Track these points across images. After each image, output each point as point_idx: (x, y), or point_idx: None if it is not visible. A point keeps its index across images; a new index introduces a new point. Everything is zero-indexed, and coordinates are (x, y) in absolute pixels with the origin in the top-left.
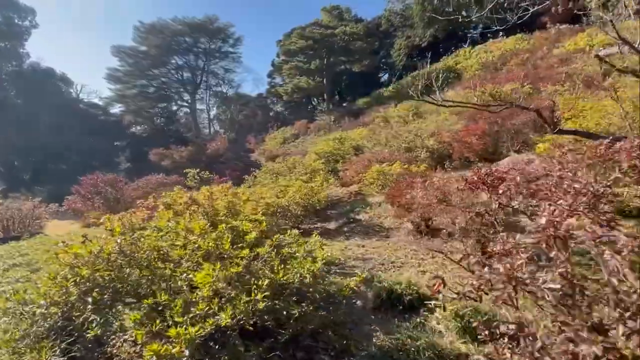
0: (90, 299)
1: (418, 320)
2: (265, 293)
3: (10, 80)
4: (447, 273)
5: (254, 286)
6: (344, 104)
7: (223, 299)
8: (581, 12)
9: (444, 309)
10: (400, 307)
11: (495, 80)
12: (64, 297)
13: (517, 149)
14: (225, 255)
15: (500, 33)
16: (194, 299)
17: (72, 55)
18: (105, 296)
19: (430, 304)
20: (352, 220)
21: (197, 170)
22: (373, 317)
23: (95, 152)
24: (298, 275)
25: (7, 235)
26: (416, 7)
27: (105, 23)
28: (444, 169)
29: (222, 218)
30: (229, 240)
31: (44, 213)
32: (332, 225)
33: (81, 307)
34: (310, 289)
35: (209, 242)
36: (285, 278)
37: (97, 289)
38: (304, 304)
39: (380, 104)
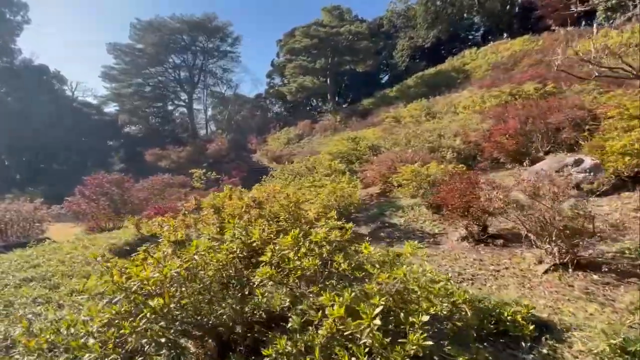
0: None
1: (545, 352)
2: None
3: (1, 76)
4: (534, 290)
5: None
6: (344, 105)
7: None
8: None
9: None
10: (514, 335)
11: (511, 80)
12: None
13: (547, 150)
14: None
15: (505, 35)
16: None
17: (66, 52)
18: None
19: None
20: (386, 224)
21: (203, 170)
22: (481, 346)
23: (88, 152)
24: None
25: (7, 242)
26: (419, 7)
27: (102, 21)
28: (471, 170)
29: (284, 224)
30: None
31: (46, 216)
32: (363, 229)
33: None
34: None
35: (310, 260)
36: (434, 309)
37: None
38: None
39: (387, 104)
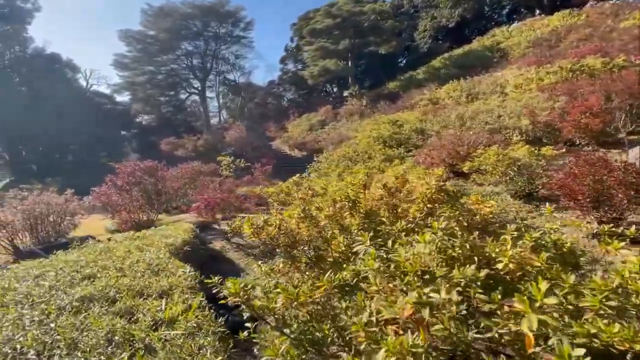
0: None
1: None
2: None
3: (14, 66)
4: None
5: None
6: (363, 89)
7: None
8: None
9: None
10: None
11: (563, 56)
12: None
13: (630, 130)
14: None
15: (537, 11)
16: None
17: (78, 41)
18: None
19: None
20: None
21: (231, 158)
22: None
23: (101, 142)
24: None
25: (43, 239)
26: None
27: (114, 7)
28: None
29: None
30: None
31: (79, 208)
32: None
33: None
34: None
35: None
36: None
37: None
38: None
39: (415, 86)
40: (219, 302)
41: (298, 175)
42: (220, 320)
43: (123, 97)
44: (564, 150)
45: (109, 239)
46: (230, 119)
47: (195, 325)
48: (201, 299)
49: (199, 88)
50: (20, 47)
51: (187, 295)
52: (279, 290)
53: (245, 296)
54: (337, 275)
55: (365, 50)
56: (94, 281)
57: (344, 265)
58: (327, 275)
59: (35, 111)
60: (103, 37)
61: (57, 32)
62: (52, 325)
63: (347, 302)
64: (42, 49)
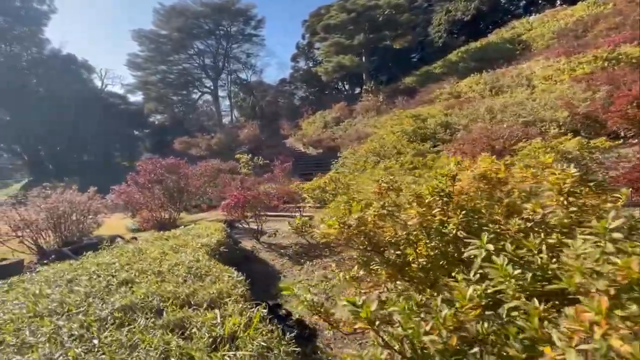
0: None
1: None
2: None
3: (31, 67)
4: None
5: None
6: (379, 85)
7: None
8: None
9: None
10: None
11: (593, 46)
12: None
13: None
14: None
15: (558, 2)
16: None
17: (93, 41)
18: None
19: None
20: None
21: (249, 155)
22: None
23: (116, 142)
24: None
25: (66, 239)
26: None
27: (129, 7)
28: None
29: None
30: None
31: (101, 207)
32: None
33: None
34: None
35: None
36: None
37: None
38: None
39: (433, 81)
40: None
41: (334, 170)
42: (288, 336)
43: (136, 97)
44: (620, 142)
45: (134, 238)
46: (242, 118)
47: (263, 344)
48: (263, 310)
49: (211, 87)
50: (37, 49)
51: (241, 305)
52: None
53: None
54: (480, 288)
55: (380, 45)
56: (132, 287)
57: (437, 274)
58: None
59: (52, 111)
60: (119, 37)
61: (73, 33)
62: (95, 341)
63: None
64: (58, 50)
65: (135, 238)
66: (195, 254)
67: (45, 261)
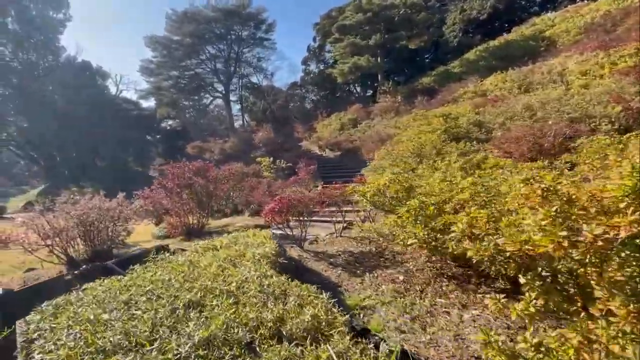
0: None
1: None
2: None
3: (48, 75)
4: None
5: None
6: (398, 86)
7: None
8: None
9: None
10: None
11: (627, 40)
12: None
13: None
14: None
15: None
16: None
17: (107, 48)
18: None
19: None
20: None
21: (270, 158)
22: None
23: (129, 147)
24: None
25: (96, 248)
26: None
27: (142, 14)
28: None
29: None
30: None
31: (131, 213)
32: None
33: None
34: None
35: None
36: None
37: None
38: None
39: (454, 80)
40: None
41: (400, 169)
42: None
43: (149, 103)
44: None
45: (182, 250)
46: (253, 122)
47: None
48: (392, 348)
49: (223, 92)
50: (53, 57)
51: (348, 338)
52: None
53: None
54: None
55: (396, 45)
56: (202, 312)
57: None
58: None
59: (67, 117)
60: (134, 44)
61: (88, 40)
62: None
63: None
64: (73, 57)
65: (183, 249)
66: (259, 267)
67: (75, 272)
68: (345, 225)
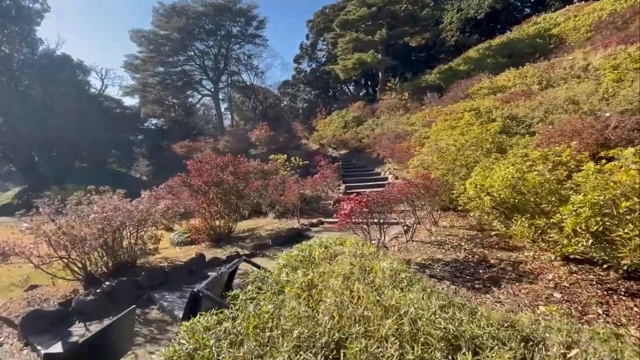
0: None
1: None
2: None
3: (23, 68)
4: None
5: None
6: (404, 83)
7: None
8: None
9: None
10: None
11: None
12: None
13: None
14: None
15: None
16: None
17: (89, 41)
18: None
19: None
20: None
21: (284, 155)
22: None
23: (111, 146)
24: None
25: (123, 261)
26: None
27: (128, 6)
28: None
29: None
30: None
31: (159, 217)
32: None
33: None
34: None
35: None
36: None
37: None
38: None
39: (459, 77)
40: None
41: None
42: None
43: (133, 101)
44: None
45: (287, 269)
46: (242, 121)
47: None
48: None
49: (212, 90)
50: (29, 49)
51: None
52: None
53: None
54: None
55: (399, 42)
56: None
57: None
58: None
59: (46, 114)
60: (119, 37)
61: (70, 32)
62: None
63: None
64: (52, 50)
65: (256, 264)
66: (414, 290)
67: (98, 290)
68: (405, 229)
